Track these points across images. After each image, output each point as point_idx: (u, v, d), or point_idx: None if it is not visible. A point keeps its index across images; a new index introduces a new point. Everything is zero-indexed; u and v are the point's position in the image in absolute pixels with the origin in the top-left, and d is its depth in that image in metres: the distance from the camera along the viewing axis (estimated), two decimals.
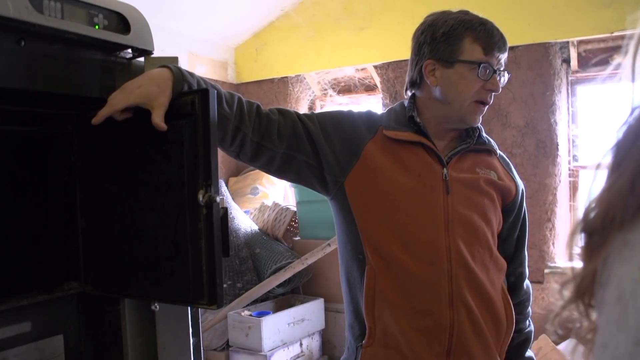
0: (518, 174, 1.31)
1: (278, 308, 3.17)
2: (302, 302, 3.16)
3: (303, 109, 4.09)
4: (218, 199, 0.88)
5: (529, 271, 1.32)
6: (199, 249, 0.90)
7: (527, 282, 1.31)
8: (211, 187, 0.88)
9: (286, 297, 3.29)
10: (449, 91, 1.17)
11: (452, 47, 1.15)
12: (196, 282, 0.91)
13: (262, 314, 2.94)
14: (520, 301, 1.28)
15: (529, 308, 1.31)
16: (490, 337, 1.17)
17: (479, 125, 1.24)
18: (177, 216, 0.93)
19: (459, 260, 1.14)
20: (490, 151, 1.26)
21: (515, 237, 1.27)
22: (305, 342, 3.08)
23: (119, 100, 0.95)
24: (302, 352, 3.05)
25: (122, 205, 1.04)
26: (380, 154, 1.19)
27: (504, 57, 1.18)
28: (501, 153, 1.30)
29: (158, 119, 0.91)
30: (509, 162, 1.30)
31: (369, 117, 1.25)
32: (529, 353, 1.30)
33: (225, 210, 0.91)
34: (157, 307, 1.00)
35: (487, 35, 1.14)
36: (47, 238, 1.20)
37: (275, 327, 2.87)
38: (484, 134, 1.26)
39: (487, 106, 1.20)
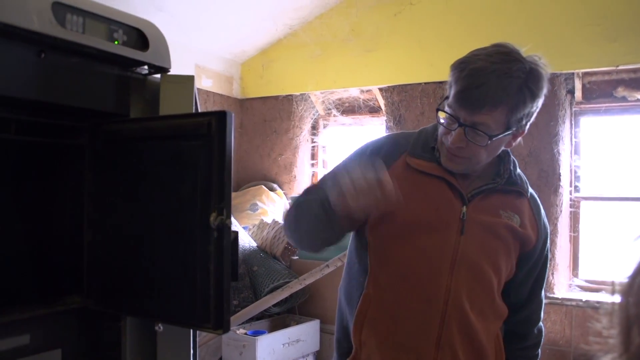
0: None
1: (273, 327, 3.13)
2: (297, 323, 3.12)
3: (306, 128, 4.09)
4: (230, 222, 0.87)
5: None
6: (207, 271, 0.89)
7: (539, 326, 1.26)
8: (224, 210, 0.87)
9: (282, 317, 3.25)
10: None
11: (449, 82, 1.09)
12: (203, 305, 0.89)
13: (257, 333, 2.90)
14: (530, 344, 1.25)
15: (538, 350, 1.27)
16: None
17: (513, 160, 1.18)
18: (187, 237, 0.92)
19: (456, 304, 1.11)
20: (521, 192, 1.19)
21: (530, 283, 1.22)
22: None
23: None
24: None
25: (131, 222, 1.03)
26: (401, 180, 1.11)
27: (478, 117, 1.03)
28: (533, 192, 1.22)
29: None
30: (539, 205, 1.22)
31: (394, 142, 1.21)
32: None
33: (236, 235, 0.90)
34: (161, 327, 0.99)
35: (460, 85, 1.04)
36: (52, 250, 1.18)
37: (270, 347, 2.83)
38: (518, 171, 1.19)
39: (463, 157, 1.08)
